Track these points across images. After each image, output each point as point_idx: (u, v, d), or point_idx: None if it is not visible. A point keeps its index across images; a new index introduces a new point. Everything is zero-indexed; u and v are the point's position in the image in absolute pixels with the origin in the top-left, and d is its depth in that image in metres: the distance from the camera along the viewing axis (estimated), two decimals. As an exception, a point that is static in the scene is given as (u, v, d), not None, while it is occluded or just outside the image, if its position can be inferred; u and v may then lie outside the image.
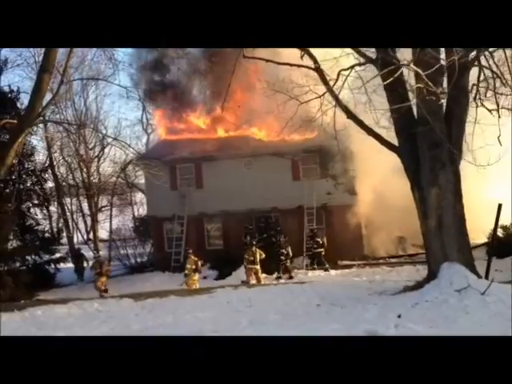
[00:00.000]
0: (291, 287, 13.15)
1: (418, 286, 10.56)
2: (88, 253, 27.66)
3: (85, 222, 39.14)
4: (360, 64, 12.80)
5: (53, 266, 24.24)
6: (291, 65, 12.46)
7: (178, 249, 24.84)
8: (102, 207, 36.29)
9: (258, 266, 19.07)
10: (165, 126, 29.53)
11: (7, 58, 24.57)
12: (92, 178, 33.82)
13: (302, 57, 12.45)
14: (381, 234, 23.95)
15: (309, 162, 24.55)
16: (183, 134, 28.50)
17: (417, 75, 7.44)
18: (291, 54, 13.18)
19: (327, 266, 21.66)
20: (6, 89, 24.26)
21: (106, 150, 34.98)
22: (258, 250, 19.26)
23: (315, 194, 23.67)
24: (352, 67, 12.80)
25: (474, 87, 10.79)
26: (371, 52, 12.35)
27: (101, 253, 26.92)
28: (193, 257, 18.68)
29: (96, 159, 34.97)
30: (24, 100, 25.29)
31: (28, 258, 22.43)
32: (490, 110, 9.89)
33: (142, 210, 38.85)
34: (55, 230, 30.10)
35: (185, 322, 10.45)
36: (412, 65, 6.98)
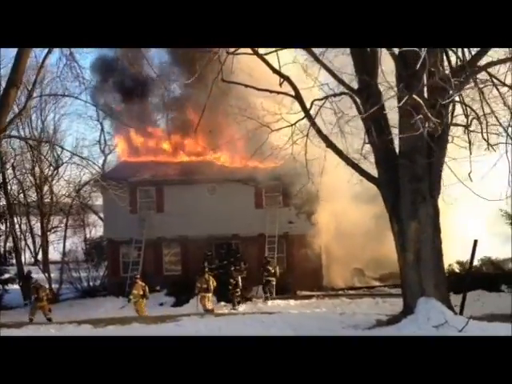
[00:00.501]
0: (261, 317, 12.82)
1: (394, 320, 10.46)
2: (39, 274, 26.44)
3: (33, 243, 37.58)
4: (335, 95, 12.94)
5: (0, 286, 23.02)
6: (271, 91, 12.43)
7: (135, 273, 24.06)
8: (53, 228, 34.96)
9: (211, 294, 18.74)
10: (126, 147, 28.97)
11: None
12: (45, 198, 32.63)
13: (281, 84, 12.46)
14: (339, 264, 24.09)
15: (272, 190, 24.50)
16: (145, 156, 28.07)
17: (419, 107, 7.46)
18: (269, 80, 13.19)
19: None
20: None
21: (61, 170, 33.93)
22: (210, 277, 18.93)
23: (278, 223, 23.62)
24: (326, 98, 12.94)
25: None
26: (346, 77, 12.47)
27: (52, 275, 25.90)
28: (140, 282, 18.39)
29: (50, 178, 33.82)
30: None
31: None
32: (491, 144, 10.02)
33: (94, 232, 37.66)
34: (4, 249, 28.79)
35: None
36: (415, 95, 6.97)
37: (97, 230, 37.18)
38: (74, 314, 19.26)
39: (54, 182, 34.11)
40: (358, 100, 12.14)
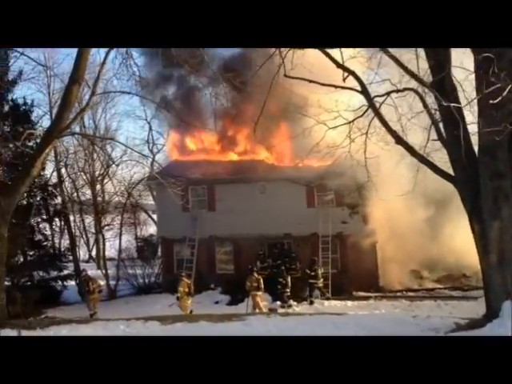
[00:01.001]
0: (331, 318, 12.53)
1: (475, 324, 9.99)
2: (96, 271, 27.02)
3: (87, 240, 38.50)
4: (398, 90, 12.57)
5: (60, 282, 23.65)
6: (336, 86, 12.17)
7: (189, 271, 24.25)
8: (107, 225, 35.70)
9: (261, 293, 18.75)
10: (177, 146, 29.23)
11: (22, 70, 24.21)
12: (98, 196, 33.42)
13: (344, 79, 12.21)
14: (395, 265, 23.55)
15: (324, 189, 24.12)
16: (195, 154, 28.25)
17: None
18: (329, 77, 12.95)
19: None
20: (20, 101, 24.11)
21: (113, 169, 34.62)
22: (260, 276, 18.89)
23: (331, 222, 23.31)
24: (388, 94, 12.58)
25: None
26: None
27: (109, 272, 26.35)
28: (186, 279, 18.44)
29: (101, 177, 34.58)
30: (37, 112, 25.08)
31: (35, 273, 21.86)
32: None
33: (144, 231, 38.24)
34: (63, 246, 29.59)
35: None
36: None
37: (146, 229, 37.78)
38: (130, 310, 19.52)
39: (106, 180, 34.97)
40: (424, 96, 11.78)
